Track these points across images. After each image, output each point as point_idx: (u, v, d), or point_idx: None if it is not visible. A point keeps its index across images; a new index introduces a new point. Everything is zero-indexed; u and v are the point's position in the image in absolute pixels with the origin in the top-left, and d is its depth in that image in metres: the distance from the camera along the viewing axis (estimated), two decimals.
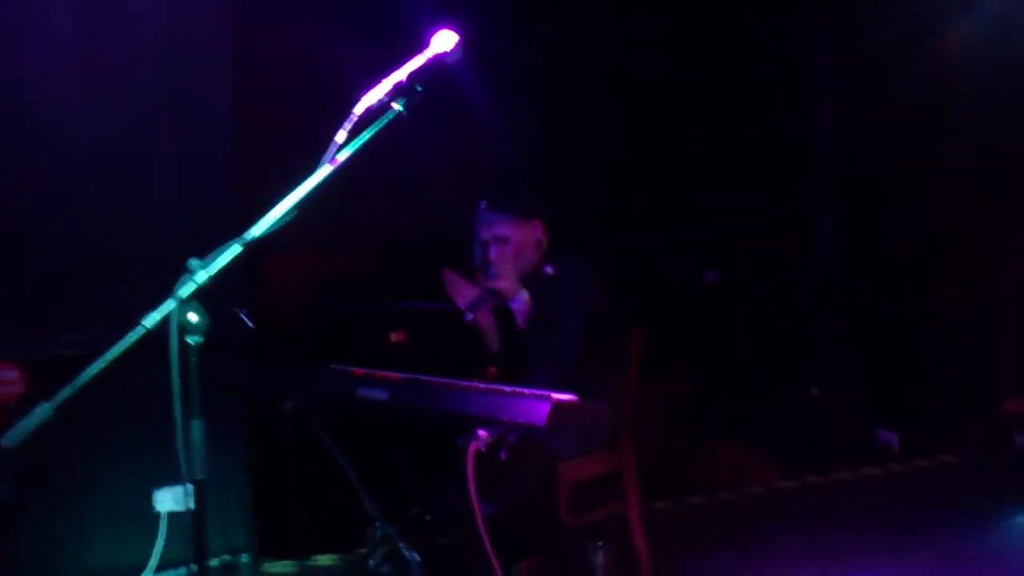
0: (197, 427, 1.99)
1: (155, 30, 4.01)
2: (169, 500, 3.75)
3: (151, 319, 1.96)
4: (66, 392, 1.92)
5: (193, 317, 1.96)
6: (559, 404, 3.06)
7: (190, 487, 3.11)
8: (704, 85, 6.51)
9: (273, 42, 4.98)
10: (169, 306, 1.94)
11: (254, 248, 2.19)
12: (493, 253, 3.85)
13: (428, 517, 3.80)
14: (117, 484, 3.91)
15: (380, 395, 3.57)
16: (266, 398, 3.92)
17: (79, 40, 3.85)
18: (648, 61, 6.41)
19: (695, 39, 6.44)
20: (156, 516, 3.73)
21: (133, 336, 1.95)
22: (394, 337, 5.06)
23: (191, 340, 1.96)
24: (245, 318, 3.94)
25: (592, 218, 6.12)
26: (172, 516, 3.70)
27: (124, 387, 3.49)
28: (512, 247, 3.84)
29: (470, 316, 3.74)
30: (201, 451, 2.00)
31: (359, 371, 3.73)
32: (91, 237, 3.88)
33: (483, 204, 3.88)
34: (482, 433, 3.36)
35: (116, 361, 1.95)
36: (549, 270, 3.89)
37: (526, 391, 3.33)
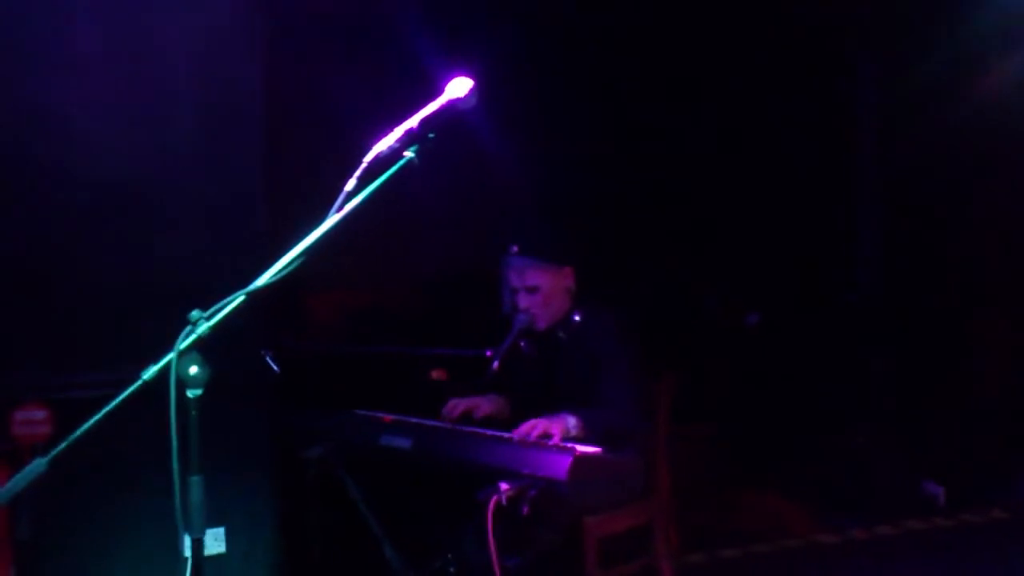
0: (196, 484, 1.92)
1: (186, 66, 3.92)
2: None
3: (150, 372, 1.90)
4: (62, 446, 1.87)
5: (193, 369, 1.90)
6: (581, 458, 2.99)
7: (220, 531, 3.06)
8: (744, 117, 6.45)
9: (298, 84, 4.96)
10: (168, 359, 1.89)
11: (270, 295, 2.14)
12: (523, 301, 3.78)
13: (452, 569, 3.71)
14: (142, 525, 3.86)
15: (403, 443, 3.52)
16: (293, 444, 3.87)
17: (108, 73, 3.78)
18: (683, 95, 6.35)
19: (737, 71, 6.37)
20: (183, 560, 3.69)
21: (131, 389, 1.90)
22: (435, 375, 5.03)
23: (191, 393, 1.90)
24: (271, 362, 3.89)
25: (626, 258, 6.05)
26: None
27: (149, 428, 3.49)
28: (542, 295, 3.77)
29: (496, 364, 3.66)
30: (200, 509, 1.93)
31: (387, 417, 3.68)
32: (119, 276, 3.81)
33: (514, 249, 3.82)
34: (504, 486, 3.28)
35: (115, 414, 1.90)
36: (577, 318, 3.83)
37: (551, 443, 3.26)
